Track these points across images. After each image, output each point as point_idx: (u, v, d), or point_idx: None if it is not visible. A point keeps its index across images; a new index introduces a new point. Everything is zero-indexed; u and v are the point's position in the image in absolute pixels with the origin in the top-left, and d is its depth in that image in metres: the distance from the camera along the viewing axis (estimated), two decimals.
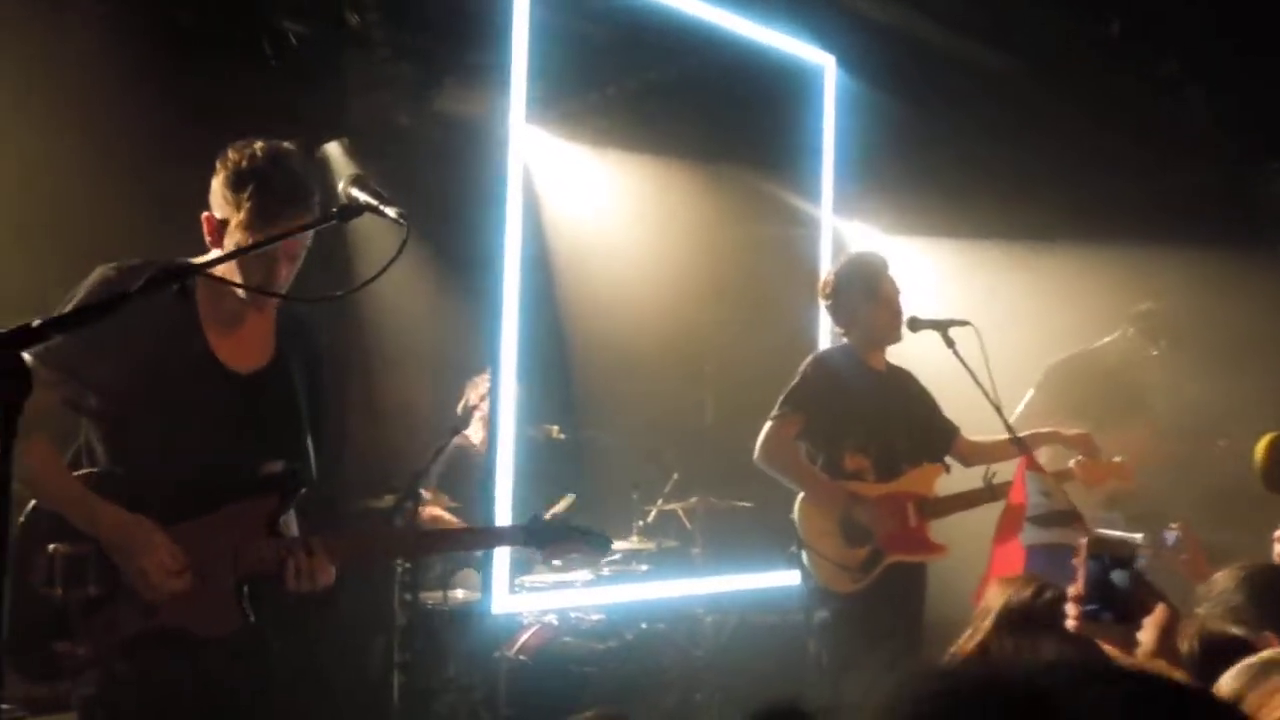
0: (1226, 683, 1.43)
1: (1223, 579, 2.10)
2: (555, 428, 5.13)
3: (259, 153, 2.42)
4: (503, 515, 4.18)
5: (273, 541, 2.46)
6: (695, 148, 5.57)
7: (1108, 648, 1.76)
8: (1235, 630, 1.88)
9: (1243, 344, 5.26)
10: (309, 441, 2.58)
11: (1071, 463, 3.93)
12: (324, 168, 5.13)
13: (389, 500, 4.46)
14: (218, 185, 2.44)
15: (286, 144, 2.48)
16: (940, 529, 4.00)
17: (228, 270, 2.42)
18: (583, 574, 4.87)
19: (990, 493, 3.86)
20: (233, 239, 2.40)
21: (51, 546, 2.33)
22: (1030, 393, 5.01)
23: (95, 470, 2.43)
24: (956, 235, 6.08)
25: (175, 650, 2.38)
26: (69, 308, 2.30)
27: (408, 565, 4.25)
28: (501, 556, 4.21)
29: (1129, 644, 1.73)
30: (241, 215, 2.39)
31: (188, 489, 2.41)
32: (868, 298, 3.95)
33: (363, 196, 1.99)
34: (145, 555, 2.33)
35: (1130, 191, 5.68)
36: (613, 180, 5.72)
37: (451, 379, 5.30)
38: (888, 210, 6.18)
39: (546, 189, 5.53)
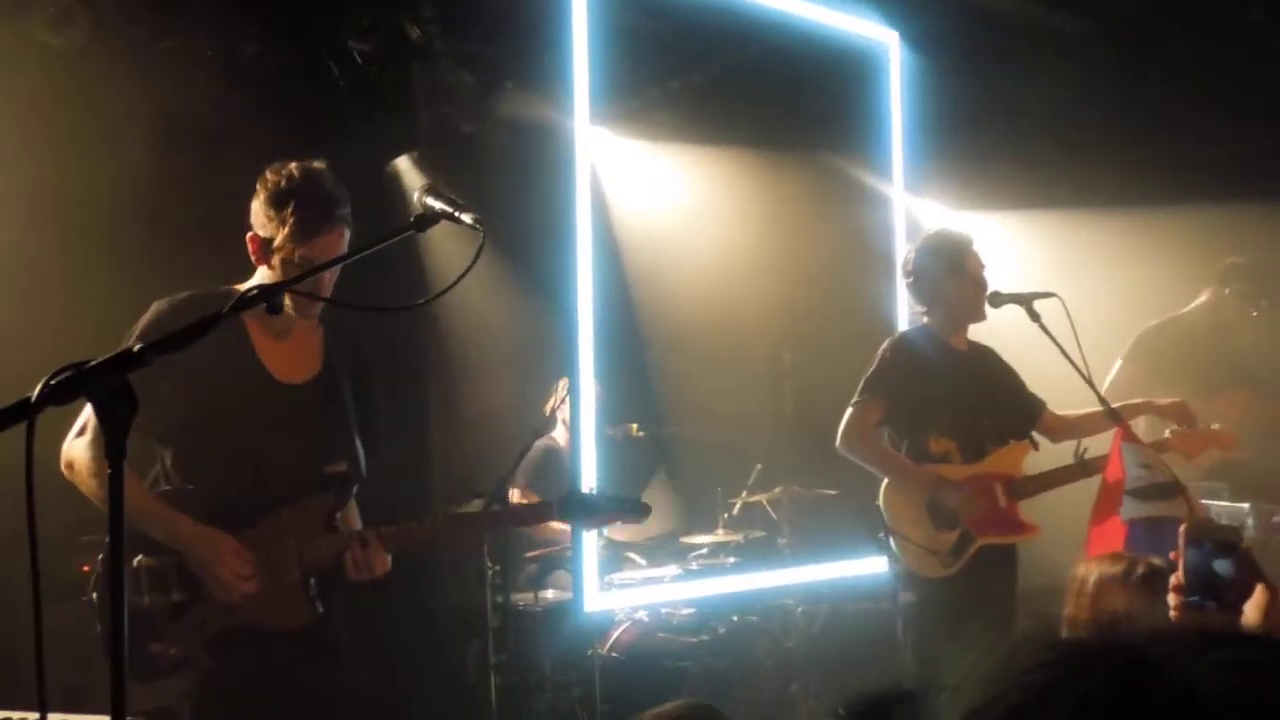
0: None
1: None
2: (634, 425, 5.14)
3: (295, 172, 2.61)
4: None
5: (331, 537, 2.68)
6: (761, 135, 5.53)
7: None
8: None
9: None
10: (358, 444, 2.77)
11: (1167, 432, 3.81)
12: (395, 182, 5.22)
13: (475, 505, 4.51)
14: (259, 206, 2.62)
15: (318, 163, 2.66)
16: (1032, 507, 3.91)
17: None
18: (671, 569, 4.87)
19: (1083, 469, 3.74)
20: (277, 256, 2.58)
21: (137, 560, 2.55)
22: (1118, 363, 4.85)
23: (170, 489, 2.64)
24: (1030, 207, 5.94)
25: (255, 645, 2.59)
26: (134, 339, 2.50)
27: (497, 568, 4.29)
28: (590, 555, 4.23)
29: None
30: (285, 231, 2.57)
31: (252, 496, 2.62)
32: (952, 273, 3.86)
33: (438, 205, 2.02)
34: (219, 563, 2.55)
35: (1207, 151, 5.49)
36: (680, 174, 5.71)
37: (531, 383, 5.34)
38: (959, 185, 6.05)
39: (614, 188, 5.54)
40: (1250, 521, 3.89)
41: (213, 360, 2.50)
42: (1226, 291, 4.91)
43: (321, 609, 2.66)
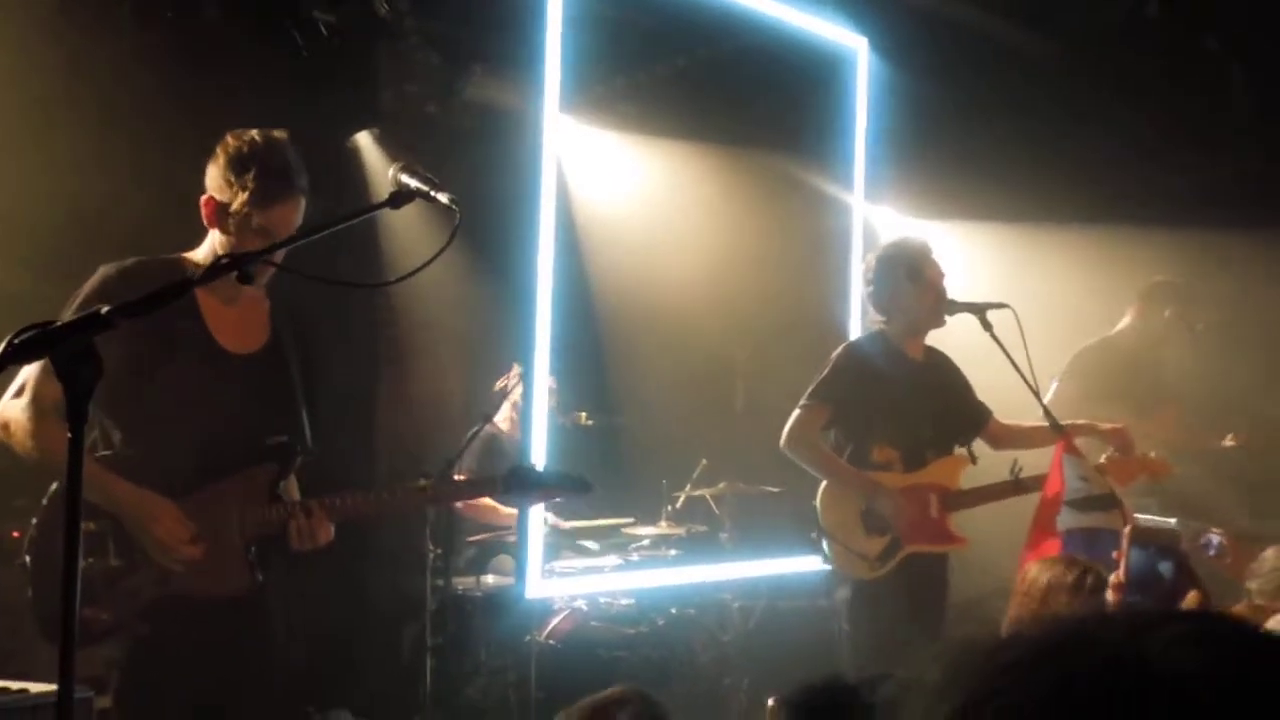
0: None
1: (1273, 557, 2.09)
2: (583, 414, 5.14)
3: (258, 139, 2.60)
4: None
5: (275, 506, 2.67)
6: (727, 133, 5.55)
7: None
8: None
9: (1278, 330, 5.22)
10: (304, 415, 2.77)
11: (1103, 458, 3.90)
12: (355, 158, 5.15)
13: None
14: (217, 170, 2.61)
15: (279, 131, 2.66)
16: (972, 516, 4.00)
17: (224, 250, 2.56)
18: (612, 559, 4.89)
19: (1016, 486, 3.84)
20: (233, 221, 2.58)
21: None
22: (1054, 382, 4.94)
23: (111, 453, 2.61)
24: (989, 219, 6.04)
25: (190, 614, 2.58)
26: (80, 303, 2.49)
27: (439, 551, 4.27)
28: (535, 542, 4.23)
29: None
30: (244, 197, 2.56)
31: (194, 463, 2.62)
32: (911, 281, 3.91)
33: (414, 183, 2.01)
34: (157, 525, 2.53)
35: (1165, 175, 5.62)
36: (644, 167, 5.71)
37: (483, 367, 5.31)
38: (920, 194, 6.14)
39: (577, 176, 5.53)
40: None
41: (160, 326, 2.47)
42: (1166, 313, 5.04)
43: (261, 578, 2.66)
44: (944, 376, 4.07)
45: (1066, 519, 3.36)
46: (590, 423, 5.15)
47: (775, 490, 5.05)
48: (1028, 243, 5.89)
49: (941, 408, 3.99)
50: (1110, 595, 1.84)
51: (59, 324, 1.35)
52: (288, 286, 2.79)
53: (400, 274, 2.22)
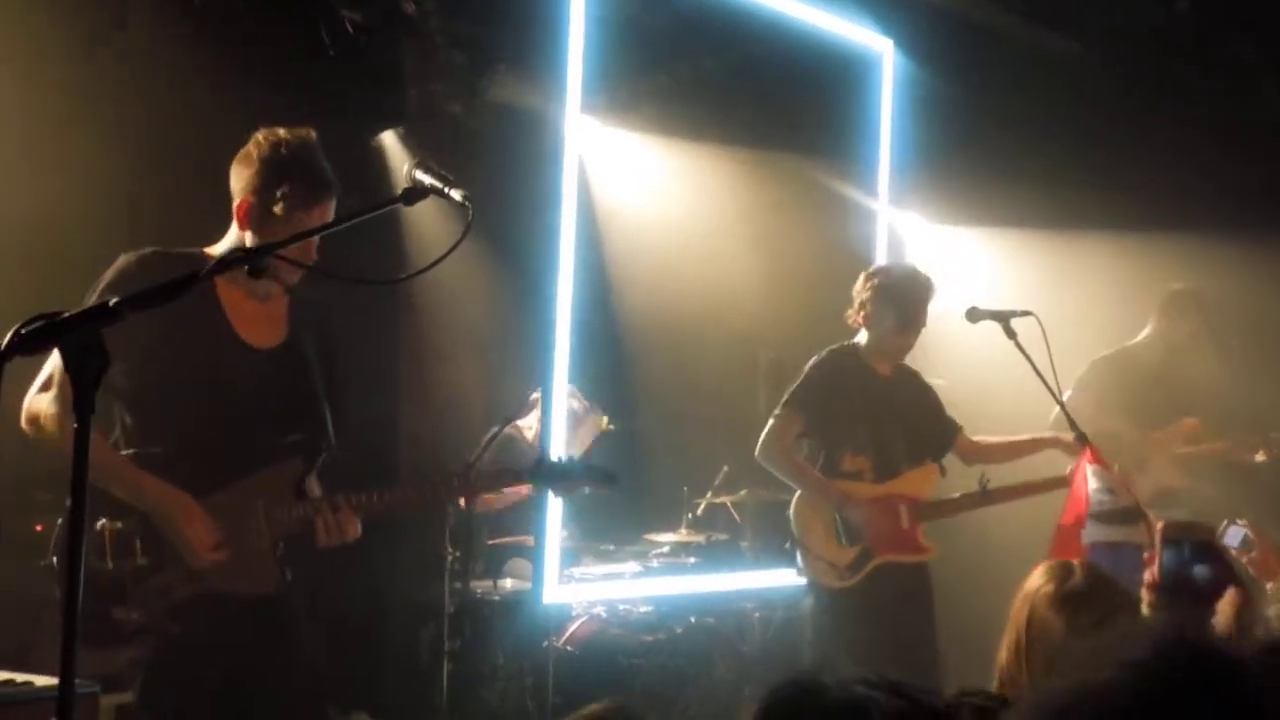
0: None
1: None
2: (604, 419, 5.11)
3: (293, 140, 2.57)
4: (553, 504, 4.18)
5: (302, 503, 2.64)
6: (750, 135, 5.51)
7: None
8: None
9: None
10: (326, 412, 2.74)
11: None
12: (380, 157, 5.16)
13: None
14: (251, 172, 2.57)
15: (307, 130, 2.62)
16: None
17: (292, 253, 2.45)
18: (631, 565, 4.85)
19: (984, 498, 3.96)
20: (275, 223, 2.53)
21: (100, 522, 2.49)
22: (1068, 392, 4.86)
23: (135, 451, 2.58)
24: (1016, 225, 5.97)
25: (218, 612, 2.55)
26: (99, 293, 2.46)
27: (457, 554, 4.26)
28: (552, 547, 4.21)
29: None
30: (284, 201, 2.53)
31: (218, 460, 2.58)
32: (898, 320, 3.97)
33: (428, 179, 2.00)
34: (188, 524, 2.50)
35: (1195, 180, 5.52)
36: (666, 168, 5.68)
37: (504, 368, 5.30)
38: (944, 199, 6.07)
39: (599, 177, 5.51)
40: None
41: (183, 321, 2.46)
42: (1188, 323, 4.94)
43: (289, 576, 2.64)
44: (912, 391, 4.14)
45: (1091, 532, 3.30)
46: (611, 428, 5.12)
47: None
48: (1055, 249, 5.81)
49: (912, 420, 4.07)
50: (1145, 595, 1.79)
51: (66, 315, 1.34)
52: (307, 285, 2.77)
53: (421, 272, 2.18)
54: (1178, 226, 5.32)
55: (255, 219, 2.56)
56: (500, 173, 4.95)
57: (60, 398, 2.49)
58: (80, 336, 1.34)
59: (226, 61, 4.30)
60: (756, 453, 4.02)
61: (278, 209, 2.53)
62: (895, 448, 4.01)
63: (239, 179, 2.59)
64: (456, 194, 1.99)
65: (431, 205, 2.10)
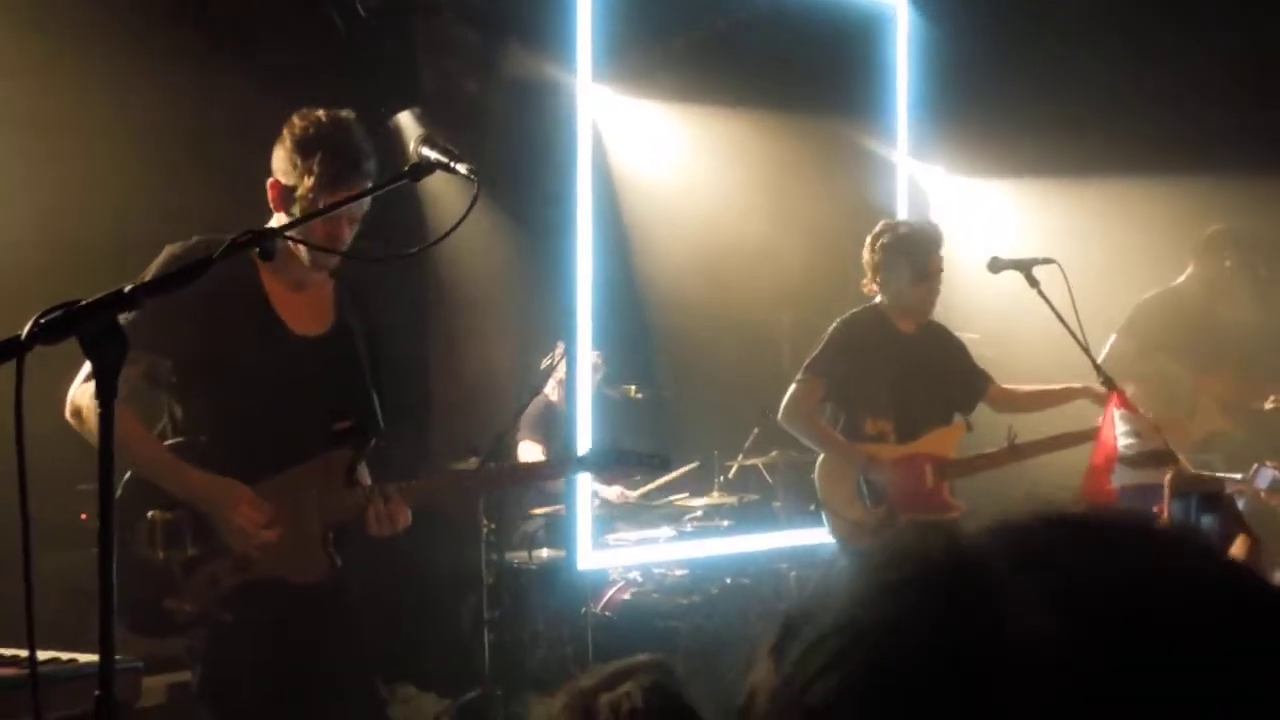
0: None
1: None
2: (632, 387, 5.14)
3: (325, 120, 2.53)
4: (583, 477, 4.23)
5: (352, 490, 2.63)
6: (765, 97, 5.48)
7: None
8: None
9: None
10: (375, 399, 2.73)
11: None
12: (397, 138, 5.19)
13: (473, 463, 4.53)
14: (284, 152, 2.53)
15: (346, 111, 2.58)
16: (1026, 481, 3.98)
17: (299, 234, 2.50)
18: (665, 530, 4.90)
19: (1012, 453, 3.93)
20: (299, 205, 2.49)
21: (150, 513, 2.50)
22: (1113, 337, 4.82)
23: (181, 440, 2.58)
24: (1039, 174, 5.90)
25: (271, 600, 2.56)
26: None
27: (493, 526, 4.32)
28: (584, 514, 4.25)
29: None
30: (310, 181, 2.48)
31: (266, 448, 2.58)
32: (913, 274, 3.94)
33: (433, 154, 2.01)
34: (234, 511, 2.49)
35: (1221, 121, 5.43)
36: (683, 134, 5.67)
37: (531, 342, 5.34)
38: (964, 151, 6.01)
39: (615, 147, 5.51)
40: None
41: (228, 311, 2.49)
42: (1227, 263, 4.87)
43: (339, 563, 2.63)
44: (939, 347, 4.10)
45: (1121, 475, 3.29)
46: (640, 396, 5.15)
47: None
48: (1079, 197, 5.74)
49: (937, 378, 4.03)
50: None
51: (83, 303, 1.38)
52: (352, 269, 2.78)
53: (438, 248, 2.21)
54: (1205, 169, 5.22)
55: (283, 200, 2.53)
56: (518, 147, 4.97)
57: None
58: (98, 324, 1.38)
59: (239, 48, 4.34)
60: (779, 417, 4.04)
61: (301, 190, 2.50)
62: (919, 408, 3.99)
63: (274, 160, 2.57)
64: (462, 167, 2.00)
65: (451, 183, 2.12)
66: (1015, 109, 5.64)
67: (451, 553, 4.80)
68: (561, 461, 3.14)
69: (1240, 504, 3.75)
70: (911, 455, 3.97)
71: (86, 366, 2.53)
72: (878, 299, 4.05)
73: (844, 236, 5.57)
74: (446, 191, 4.44)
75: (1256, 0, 5.28)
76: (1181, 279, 5.00)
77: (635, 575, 4.67)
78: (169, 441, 2.58)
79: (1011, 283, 3.86)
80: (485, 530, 4.35)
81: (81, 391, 2.53)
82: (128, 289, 1.44)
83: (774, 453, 5.14)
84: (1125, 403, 3.51)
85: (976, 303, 4.94)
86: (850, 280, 4.37)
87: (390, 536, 2.64)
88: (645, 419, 5.24)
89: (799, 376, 4.02)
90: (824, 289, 5.47)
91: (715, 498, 4.99)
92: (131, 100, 4.08)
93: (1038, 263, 3.74)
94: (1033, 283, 3.70)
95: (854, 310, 4.13)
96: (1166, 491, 1.66)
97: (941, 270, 4.01)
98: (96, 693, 1.37)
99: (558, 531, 4.84)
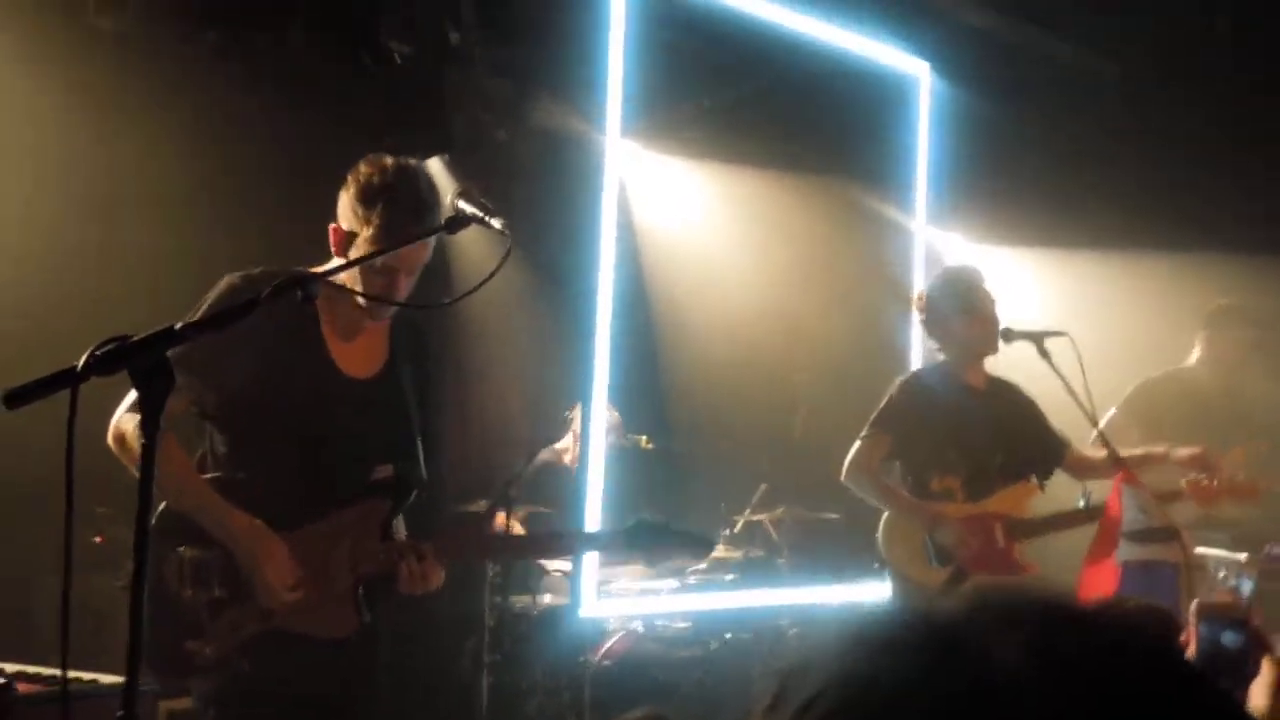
0: None
1: None
2: (644, 438, 5.18)
3: (390, 169, 2.48)
4: (591, 524, 4.27)
5: (387, 545, 2.52)
6: (789, 159, 5.58)
7: None
8: None
9: None
10: (419, 447, 2.64)
11: (1184, 481, 3.79)
12: None
13: (482, 506, 4.57)
14: (347, 199, 2.50)
15: (414, 160, 2.53)
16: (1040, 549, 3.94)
17: (349, 281, 2.49)
18: (669, 581, 4.91)
19: (1087, 514, 3.76)
20: (358, 252, 2.44)
21: (181, 549, 2.44)
22: (1111, 410, 4.79)
23: (219, 475, 2.51)
24: (1053, 245, 5.97)
25: (292, 651, 2.46)
26: (201, 314, 2.37)
27: (497, 569, 4.34)
28: (589, 561, 4.27)
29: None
30: (370, 230, 2.44)
31: (306, 494, 2.49)
32: (962, 312, 3.89)
33: (469, 208, 2.07)
34: (269, 565, 2.41)
35: (1237, 200, 5.49)
36: (706, 193, 5.76)
37: (546, 391, 5.39)
38: (982, 220, 6.09)
39: (640, 202, 5.61)
40: (1248, 585, 3.89)
41: (282, 344, 2.45)
42: (1236, 336, 4.86)
43: (368, 618, 2.52)
44: (1009, 403, 4.00)
45: (1124, 551, 3.31)
46: (651, 446, 5.18)
47: (834, 516, 5.04)
48: (1095, 269, 5.80)
49: (1009, 435, 3.92)
50: None
51: (134, 339, 1.44)
52: (411, 313, 2.72)
53: (461, 297, 2.26)
54: (1220, 247, 5.28)
55: (344, 246, 2.48)
56: (544, 197, 5.06)
57: None
58: (146, 359, 1.44)
59: (278, 95, 4.45)
60: (843, 476, 3.88)
61: (364, 238, 2.44)
62: (989, 466, 3.85)
63: (339, 204, 2.52)
64: (496, 222, 2.06)
65: (476, 233, 2.18)
66: (1034, 179, 5.72)
67: (456, 593, 4.81)
68: (608, 537, 2.97)
69: (1248, 585, 3.77)
70: (981, 514, 3.82)
71: (131, 395, 2.47)
72: (942, 357, 4.00)
73: (861, 300, 5.65)
74: (472, 240, 4.52)
75: (1271, 85, 5.37)
76: (1190, 360, 5.01)
77: (637, 625, 4.67)
78: (207, 475, 2.53)
79: (1021, 350, 3.91)
80: (490, 573, 4.37)
81: (126, 419, 2.46)
82: (178, 326, 1.50)
83: (780, 509, 5.16)
84: (1131, 478, 3.54)
85: (988, 369, 4.98)
86: (863, 343, 4.42)
87: (421, 595, 2.52)
88: (656, 469, 5.27)
89: (863, 433, 3.89)
90: (839, 350, 5.53)
91: (721, 551, 5.00)
92: (169, 145, 4.19)
93: (1050, 335, 3.78)
94: (1044, 354, 3.74)
95: (917, 369, 4.10)
96: (1192, 617, 1.65)
97: (994, 303, 3.91)
98: (119, 713, 1.41)
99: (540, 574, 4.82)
